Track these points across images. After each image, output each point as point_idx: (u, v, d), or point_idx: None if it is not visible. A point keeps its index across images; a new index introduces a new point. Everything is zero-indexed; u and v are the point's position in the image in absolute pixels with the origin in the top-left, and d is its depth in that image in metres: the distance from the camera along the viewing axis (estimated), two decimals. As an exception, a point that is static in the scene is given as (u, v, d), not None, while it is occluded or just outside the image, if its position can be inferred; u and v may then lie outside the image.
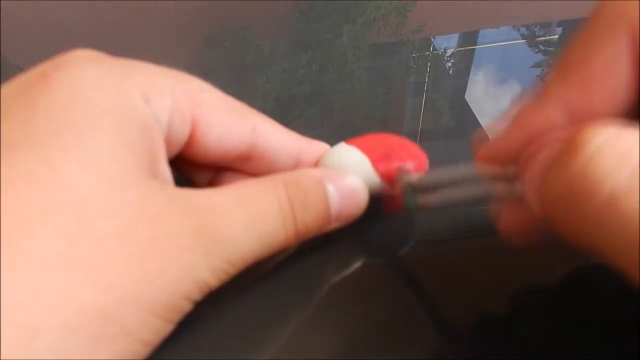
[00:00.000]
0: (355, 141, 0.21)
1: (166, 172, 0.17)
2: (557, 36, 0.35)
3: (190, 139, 0.17)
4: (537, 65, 0.32)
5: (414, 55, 0.33)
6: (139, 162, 0.15)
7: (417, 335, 0.17)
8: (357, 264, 0.19)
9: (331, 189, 0.18)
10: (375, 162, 0.19)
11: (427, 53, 0.32)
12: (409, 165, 0.19)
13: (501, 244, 0.20)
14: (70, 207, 0.13)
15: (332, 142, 0.22)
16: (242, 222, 0.15)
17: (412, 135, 0.27)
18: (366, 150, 0.20)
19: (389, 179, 0.19)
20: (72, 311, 0.12)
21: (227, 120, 0.18)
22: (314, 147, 0.21)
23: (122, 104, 0.15)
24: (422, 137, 0.26)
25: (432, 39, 0.33)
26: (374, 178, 0.19)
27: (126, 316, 0.13)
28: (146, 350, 0.14)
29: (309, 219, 0.17)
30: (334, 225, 0.18)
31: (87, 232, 0.13)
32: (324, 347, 0.16)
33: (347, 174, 0.19)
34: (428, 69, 0.31)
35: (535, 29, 0.35)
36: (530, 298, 0.18)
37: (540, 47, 0.34)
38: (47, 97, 0.14)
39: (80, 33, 0.31)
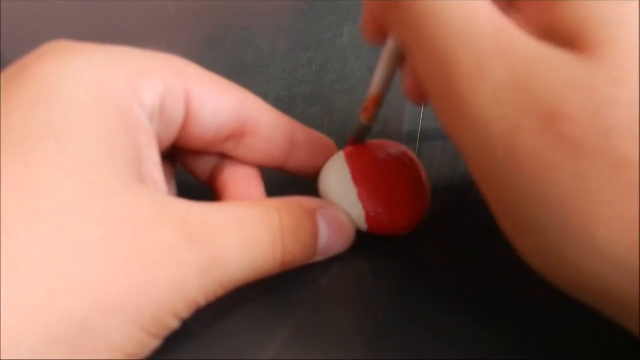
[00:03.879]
0: (356, 155, 0.20)
1: (155, 173, 0.16)
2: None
3: (187, 116, 0.17)
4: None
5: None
6: (124, 165, 0.14)
7: (417, 335, 0.17)
8: (356, 265, 0.19)
9: (322, 222, 0.18)
10: (364, 195, 0.19)
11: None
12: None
13: (501, 248, 0.20)
14: (53, 213, 0.12)
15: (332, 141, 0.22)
16: (236, 243, 0.15)
17: (412, 135, 0.27)
18: (362, 175, 0.19)
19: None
20: (52, 318, 0.12)
21: (218, 91, 0.18)
22: (309, 132, 0.20)
23: (105, 100, 0.14)
24: (422, 137, 0.26)
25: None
26: (359, 212, 0.19)
27: (109, 327, 0.12)
28: None
29: (297, 249, 0.17)
30: (319, 258, 0.18)
31: (70, 239, 0.12)
32: (324, 348, 0.16)
33: (339, 208, 0.19)
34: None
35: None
36: (531, 299, 0.18)
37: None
38: (26, 92, 0.14)
39: (80, 33, 0.31)
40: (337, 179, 0.19)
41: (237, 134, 0.19)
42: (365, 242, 0.19)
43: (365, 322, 0.17)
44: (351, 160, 0.20)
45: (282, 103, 0.28)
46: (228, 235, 0.15)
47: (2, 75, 0.15)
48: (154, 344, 0.14)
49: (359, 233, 0.19)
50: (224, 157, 0.20)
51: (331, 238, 0.18)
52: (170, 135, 0.17)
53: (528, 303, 0.18)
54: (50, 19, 0.32)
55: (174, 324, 0.14)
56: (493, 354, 0.16)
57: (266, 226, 0.16)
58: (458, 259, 0.20)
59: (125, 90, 0.15)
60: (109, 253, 0.13)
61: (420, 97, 0.18)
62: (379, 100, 0.19)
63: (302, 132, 0.20)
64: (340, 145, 0.21)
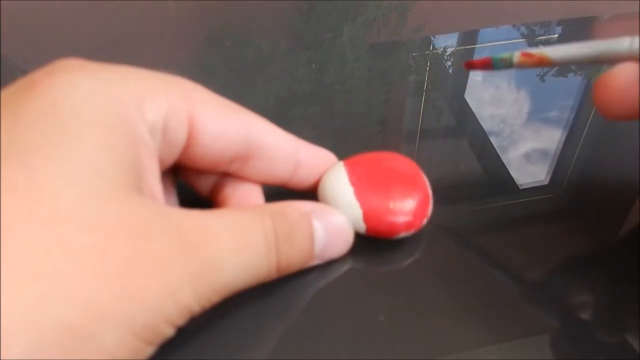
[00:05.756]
0: (356, 163, 0.20)
1: (155, 187, 0.16)
2: (556, 35, 0.35)
3: (189, 138, 0.17)
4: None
5: (413, 54, 0.33)
6: (124, 176, 0.14)
7: (417, 335, 0.17)
8: (355, 266, 0.19)
9: (318, 226, 0.18)
10: (362, 194, 0.19)
11: (427, 52, 0.33)
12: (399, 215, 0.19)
13: (501, 249, 0.20)
14: (48, 219, 0.12)
15: (332, 142, 0.22)
16: (229, 249, 0.15)
17: (412, 135, 0.27)
18: (360, 178, 0.19)
19: (370, 217, 0.19)
20: (45, 324, 0.12)
21: (223, 115, 0.18)
22: (313, 149, 0.20)
23: (110, 114, 0.15)
24: (422, 137, 0.26)
25: (432, 38, 0.33)
26: (356, 212, 0.19)
27: (102, 333, 0.12)
28: None
29: (292, 254, 0.17)
30: (315, 262, 0.18)
31: (65, 245, 0.12)
32: (324, 348, 0.16)
33: (335, 211, 0.19)
34: (428, 68, 0.31)
35: (535, 29, 0.35)
36: (531, 295, 0.18)
37: (540, 46, 0.34)
38: (33, 104, 0.14)
39: (80, 33, 0.31)
40: (334, 182, 0.19)
41: (242, 157, 0.19)
42: (366, 244, 0.19)
43: (365, 323, 0.17)
44: (349, 166, 0.20)
45: (282, 103, 0.28)
46: (220, 240, 0.15)
47: (11, 88, 0.15)
48: (148, 350, 0.14)
49: (360, 237, 0.19)
50: (226, 174, 0.20)
51: (328, 241, 0.18)
52: (172, 155, 0.17)
53: (529, 302, 0.18)
54: (50, 20, 0.32)
55: (168, 331, 0.14)
56: (492, 355, 0.16)
57: (259, 230, 0.16)
58: (459, 260, 0.20)
59: (130, 107, 0.15)
60: (102, 260, 0.13)
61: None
62: (546, 64, 0.19)
63: (306, 150, 0.20)
64: (339, 144, 0.21)
